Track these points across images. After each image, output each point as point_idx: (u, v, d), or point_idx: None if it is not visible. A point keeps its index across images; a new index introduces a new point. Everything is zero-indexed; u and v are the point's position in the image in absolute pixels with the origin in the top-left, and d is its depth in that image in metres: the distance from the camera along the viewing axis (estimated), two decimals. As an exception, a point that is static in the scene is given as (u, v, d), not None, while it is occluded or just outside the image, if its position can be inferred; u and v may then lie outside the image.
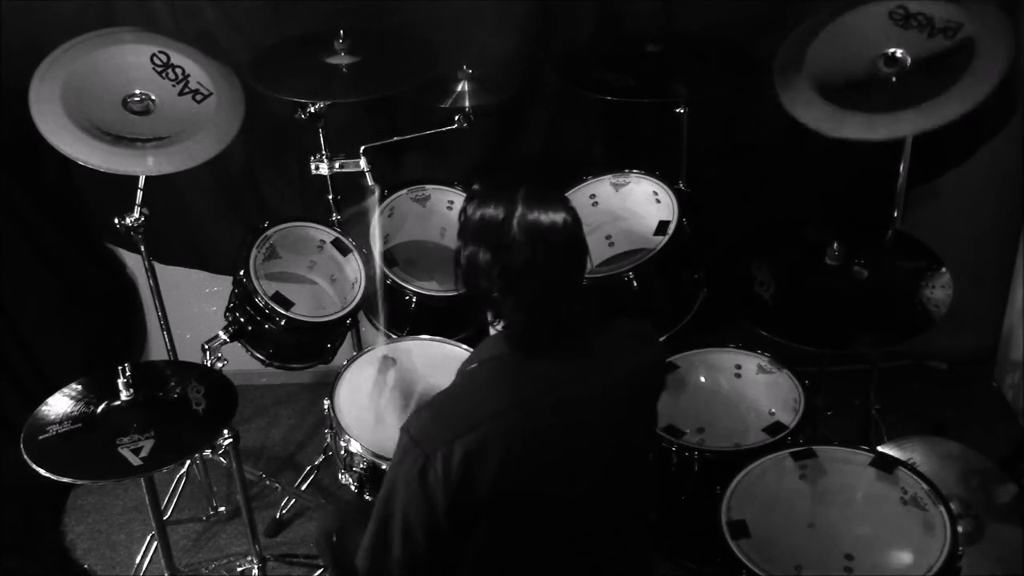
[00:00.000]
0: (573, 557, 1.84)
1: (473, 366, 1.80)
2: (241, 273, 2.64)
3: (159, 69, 2.72)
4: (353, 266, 2.79)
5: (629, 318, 1.95)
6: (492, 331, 1.82)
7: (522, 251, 1.68)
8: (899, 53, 2.49)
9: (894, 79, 2.47)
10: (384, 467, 2.34)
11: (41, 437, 2.24)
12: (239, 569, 2.88)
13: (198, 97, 2.72)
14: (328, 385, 2.48)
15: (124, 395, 2.32)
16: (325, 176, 2.90)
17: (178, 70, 2.73)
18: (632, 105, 2.96)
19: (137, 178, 2.67)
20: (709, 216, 2.90)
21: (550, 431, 1.73)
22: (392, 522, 1.71)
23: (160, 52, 2.72)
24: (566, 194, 2.75)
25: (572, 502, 1.79)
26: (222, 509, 3.17)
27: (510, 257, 1.68)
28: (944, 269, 2.57)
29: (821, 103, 2.46)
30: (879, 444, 2.53)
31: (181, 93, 2.72)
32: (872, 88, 2.48)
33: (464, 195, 2.88)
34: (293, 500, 3.17)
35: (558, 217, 1.71)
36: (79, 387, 2.40)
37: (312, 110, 2.81)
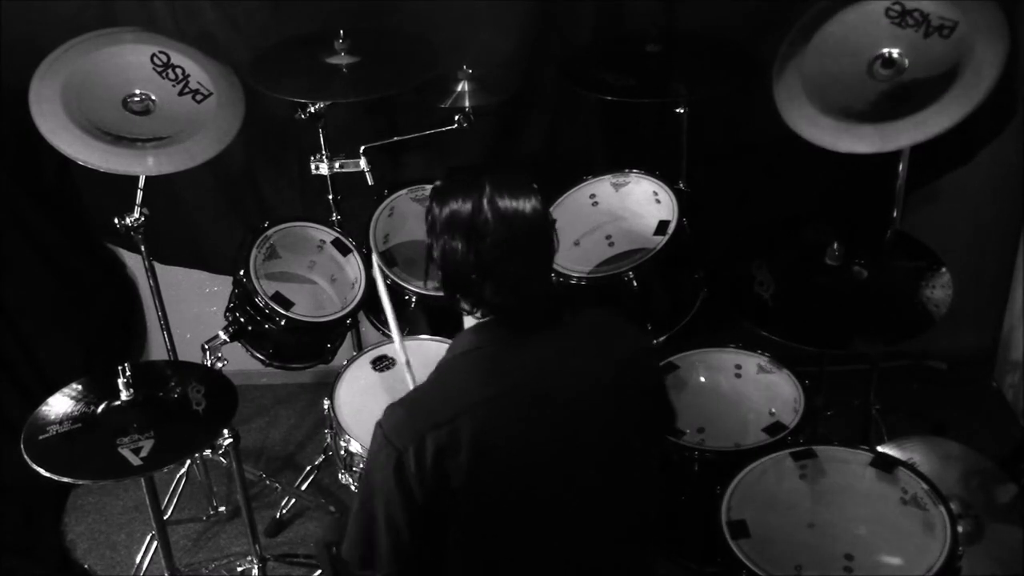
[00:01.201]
0: (565, 558, 1.82)
1: (448, 360, 1.80)
2: (241, 273, 2.64)
3: (159, 69, 2.72)
4: (353, 266, 2.79)
5: (610, 312, 1.93)
6: (467, 323, 1.81)
7: (496, 233, 1.67)
8: (896, 54, 2.49)
9: (891, 87, 2.47)
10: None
11: (41, 437, 2.24)
12: (239, 569, 2.88)
13: (198, 97, 2.72)
14: (328, 385, 2.49)
15: (124, 395, 2.33)
16: (325, 176, 2.91)
17: (178, 70, 2.73)
18: (632, 105, 2.95)
19: (137, 178, 2.67)
20: (709, 216, 2.90)
21: (525, 426, 1.71)
22: (375, 519, 1.71)
23: (160, 52, 2.72)
24: (566, 194, 2.81)
25: (559, 501, 1.77)
26: (222, 509, 3.17)
27: (484, 241, 1.67)
28: (944, 269, 2.57)
29: (821, 118, 2.46)
30: (879, 444, 2.53)
31: (181, 93, 2.72)
32: (869, 97, 2.48)
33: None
34: (293, 500, 3.17)
35: (526, 200, 1.71)
36: (79, 387, 2.40)
37: (312, 110, 2.81)
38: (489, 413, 1.69)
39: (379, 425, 1.71)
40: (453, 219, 1.70)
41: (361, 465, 2.33)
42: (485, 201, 1.68)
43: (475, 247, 1.68)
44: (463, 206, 1.70)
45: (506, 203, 1.69)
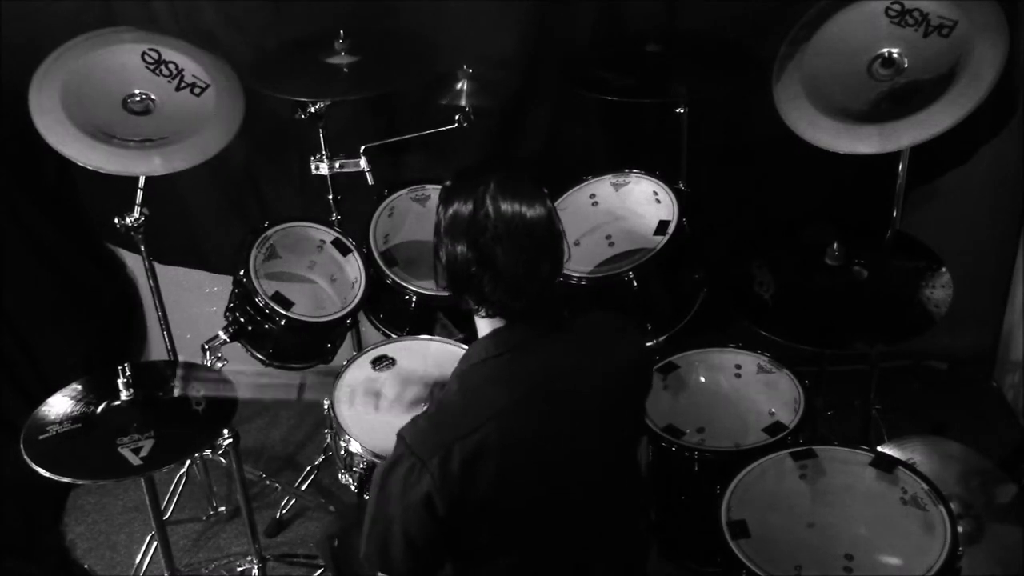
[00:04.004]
0: (581, 554, 1.85)
1: (465, 370, 1.80)
2: (241, 273, 2.64)
3: (152, 67, 2.71)
4: (353, 266, 2.79)
5: (610, 312, 1.96)
6: (478, 324, 1.82)
7: (495, 229, 1.69)
8: (895, 54, 2.49)
9: (891, 87, 2.47)
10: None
11: (41, 437, 2.24)
12: (239, 569, 2.88)
13: (196, 90, 2.72)
14: (327, 385, 2.48)
15: (124, 395, 2.33)
16: (325, 176, 2.90)
17: (171, 66, 2.72)
18: (632, 105, 2.95)
19: (137, 178, 2.67)
20: (709, 216, 2.90)
21: (544, 427, 1.73)
22: (391, 531, 1.70)
23: (151, 50, 2.72)
24: (566, 194, 2.81)
25: (578, 499, 1.80)
26: (222, 509, 3.17)
27: (483, 236, 1.69)
28: (944, 269, 2.57)
29: (821, 118, 2.46)
30: (879, 444, 2.53)
31: (178, 88, 2.72)
32: (869, 97, 2.48)
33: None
34: (293, 500, 3.17)
35: (530, 204, 1.72)
36: (79, 387, 2.40)
37: (312, 110, 2.81)
38: (512, 418, 1.70)
39: (401, 437, 1.71)
40: (456, 219, 1.72)
41: (362, 465, 2.32)
42: (488, 200, 1.70)
43: (475, 242, 1.69)
44: (465, 206, 1.71)
45: (508, 205, 1.70)
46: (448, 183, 1.79)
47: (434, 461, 1.64)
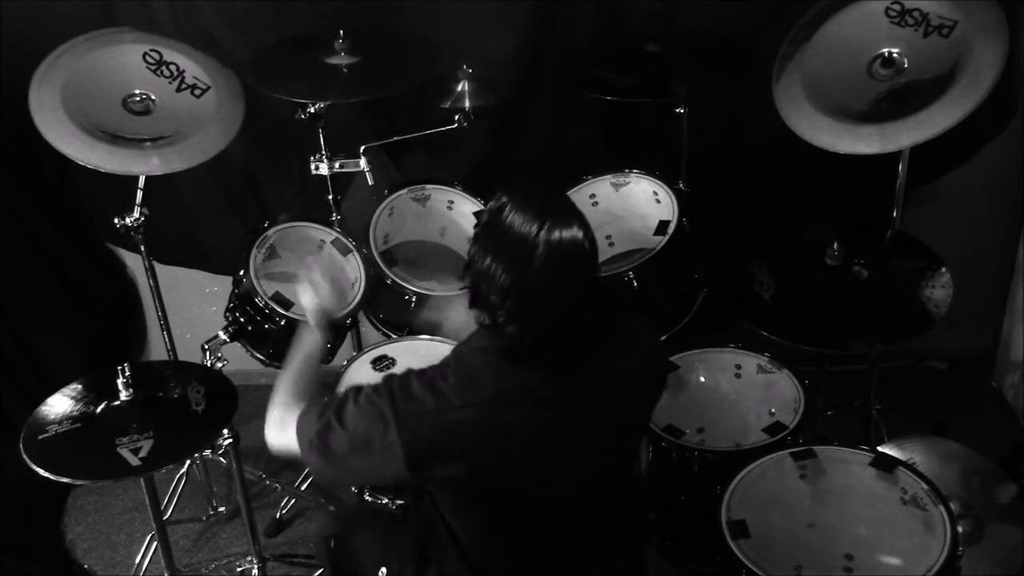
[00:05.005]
0: (580, 554, 1.85)
1: (465, 350, 1.79)
2: (241, 273, 2.65)
3: (153, 67, 2.72)
4: (353, 266, 2.79)
5: (631, 316, 1.94)
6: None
7: (543, 272, 1.64)
8: (895, 54, 2.49)
9: (891, 87, 2.47)
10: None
11: (41, 437, 2.24)
12: (239, 569, 2.88)
13: (196, 92, 2.73)
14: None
15: (124, 395, 2.32)
16: (325, 176, 2.90)
17: (172, 67, 2.74)
18: (632, 105, 2.96)
19: (137, 178, 2.67)
20: (709, 216, 2.90)
21: (534, 425, 1.72)
22: (345, 452, 1.74)
23: (152, 51, 2.73)
24: (566, 194, 2.80)
25: (577, 499, 1.80)
26: (222, 509, 3.17)
27: (529, 278, 1.64)
28: (944, 269, 2.57)
29: (821, 118, 2.46)
30: (879, 444, 2.53)
31: (179, 89, 2.72)
32: (869, 97, 2.48)
33: (463, 195, 2.91)
34: (293, 500, 3.17)
35: (579, 236, 1.69)
36: (79, 387, 2.40)
37: (312, 110, 2.81)
38: (492, 410, 1.70)
39: (388, 387, 1.73)
40: (509, 239, 1.66)
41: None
42: (543, 237, 1.64)
43: (518, 284, 1.64)
44: (521, 232, 1.65)
45: (560, 242, 1.65)
46: (507, 198, 1.70)
47: (407, 428, 1.67)
